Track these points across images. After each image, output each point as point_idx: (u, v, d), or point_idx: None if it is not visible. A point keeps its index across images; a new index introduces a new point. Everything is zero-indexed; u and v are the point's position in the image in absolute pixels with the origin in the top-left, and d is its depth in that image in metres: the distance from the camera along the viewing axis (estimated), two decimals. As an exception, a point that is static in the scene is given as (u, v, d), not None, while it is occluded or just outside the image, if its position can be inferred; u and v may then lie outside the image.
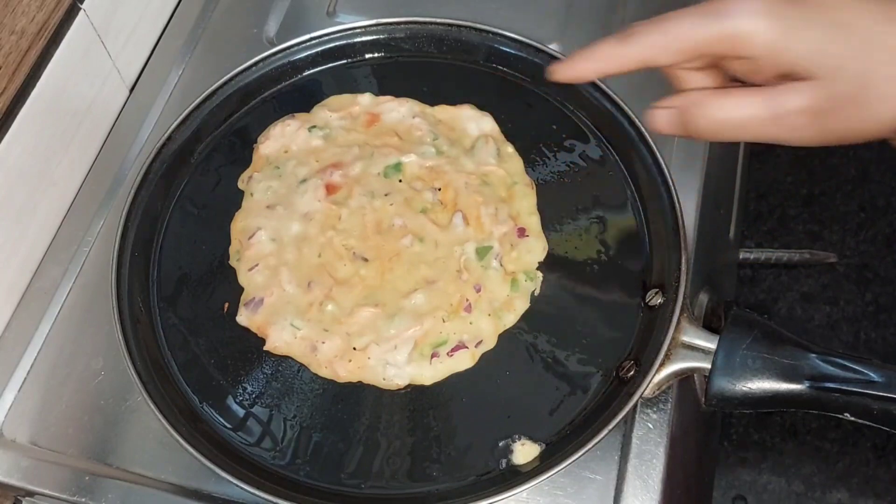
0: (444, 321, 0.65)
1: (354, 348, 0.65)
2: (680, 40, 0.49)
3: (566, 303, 0.67)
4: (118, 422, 0.66)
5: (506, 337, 0.66)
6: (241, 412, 0.64)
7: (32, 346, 0.70)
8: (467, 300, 0.66)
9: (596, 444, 0.59)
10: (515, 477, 0.60)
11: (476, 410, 0.63)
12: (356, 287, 0.67)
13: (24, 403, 0.68)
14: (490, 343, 0.66)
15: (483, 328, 0.66)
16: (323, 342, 0.65)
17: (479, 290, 0.67)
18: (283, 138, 0.74)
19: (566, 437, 0.62)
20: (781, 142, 0.49)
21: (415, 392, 0.64)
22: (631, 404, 0.60)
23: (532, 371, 0.65)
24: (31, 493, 0.65)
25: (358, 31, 0.79)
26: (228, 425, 0.64)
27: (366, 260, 0.68)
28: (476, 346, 0.65)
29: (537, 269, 0.68)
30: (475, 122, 0.75)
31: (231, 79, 0.76)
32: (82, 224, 0.75)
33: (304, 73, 0.79)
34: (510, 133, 0.75)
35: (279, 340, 0.66)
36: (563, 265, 0.69)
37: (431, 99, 0.76)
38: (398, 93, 0.77)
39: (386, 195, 0.71)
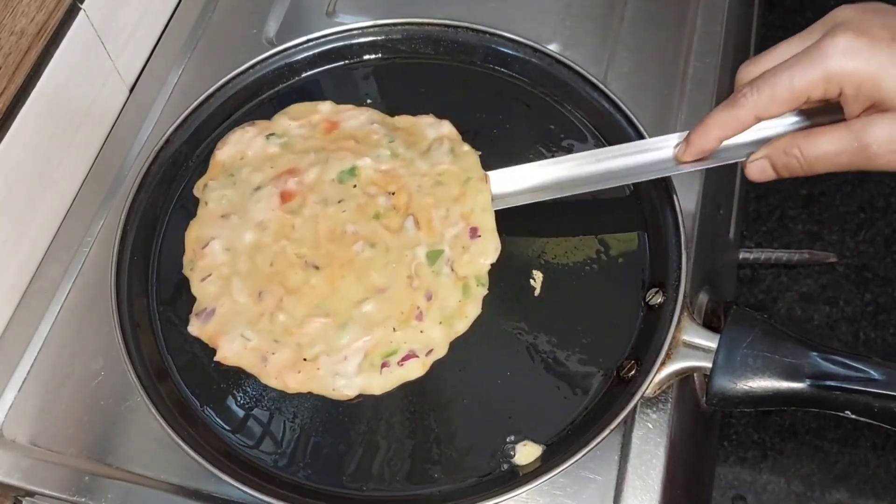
0: (394, 330, 0.64)
1: (305, 359, 0.64)
2: (788, 92, 0.54)
3: (566, 303, 0.67)
4: (118, 422, 0.66)
5: (506, 337, 0.66)
6: (241, 414, 0.64)
7: (32, 346, 0.70)
8: (418, 308, 0.65)
9: (598, 444, 0.59)
10: (516, 478, 0.60)
11: (477, 411, 0.63)
12: (307, 296, 0.65)
13: (24, 403, 0.68)
14: (441, 351, 0.64)
15: (434, 337, 0.64)
16: (273, 353, 0.64)
17: (430, 298, 0.65)
18: (239, 144, 0.73)
19: (567, 438, 0.62)
20: (871, 169, 0.53)
21: (415, 393, 0.64)
22: (632, 404, 0.60)
23: (533, 371, 0.65)
24: (31, 493, 0.65)
25: (356, 32, 0.78)
26: (228, 428, 0.64)
27: (317, 268, 0.66)
28: (427, 355, 0.64)
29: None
30: (434, 128, 0.74)
31: (230, 80, 0.76)
32: (82, 224, 0.75)
33: (303, 75, 0.79)
34: (507, 133, 0.75)
35: (229, 351, 0.64)
36: (563, 265, 0.69)
37: (430, 100, 0.76)
38: (396, 95, 0.77)
39: (339, 202, 0.69)
